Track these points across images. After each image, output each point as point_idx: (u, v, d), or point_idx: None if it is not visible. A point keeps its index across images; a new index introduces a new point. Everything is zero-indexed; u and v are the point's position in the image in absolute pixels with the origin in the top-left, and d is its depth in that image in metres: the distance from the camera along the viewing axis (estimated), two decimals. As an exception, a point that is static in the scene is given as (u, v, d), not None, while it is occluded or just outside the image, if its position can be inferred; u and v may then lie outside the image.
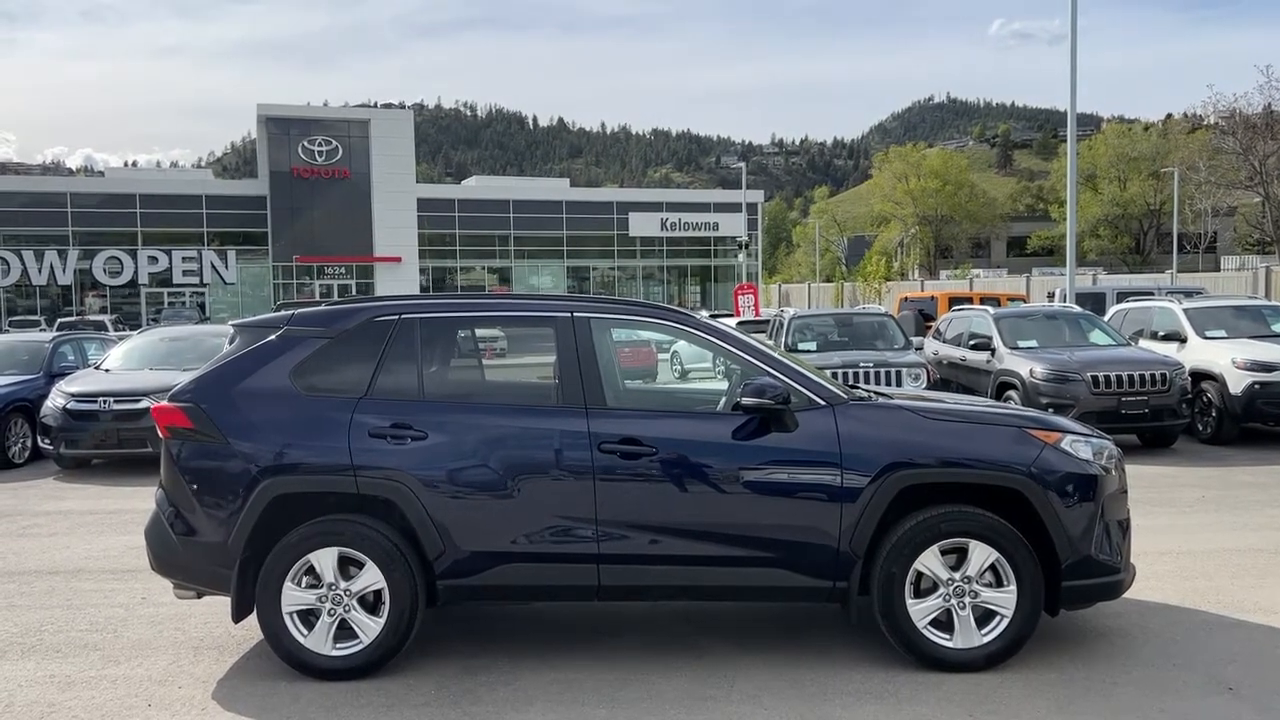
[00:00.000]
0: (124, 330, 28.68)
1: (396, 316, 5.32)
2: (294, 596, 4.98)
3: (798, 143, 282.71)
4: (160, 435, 5.26)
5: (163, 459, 5.25)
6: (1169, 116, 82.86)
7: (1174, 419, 11.92)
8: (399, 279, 54.80)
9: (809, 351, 13.95)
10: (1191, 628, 5.61)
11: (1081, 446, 5.17)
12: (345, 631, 5.01)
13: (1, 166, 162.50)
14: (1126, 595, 5.40)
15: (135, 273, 52.88)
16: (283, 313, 5.48)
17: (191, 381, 5.32)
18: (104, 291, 52.74)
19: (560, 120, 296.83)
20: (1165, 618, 5.78)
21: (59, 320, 37.24)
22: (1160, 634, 5.51)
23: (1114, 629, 5.58)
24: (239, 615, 5.08)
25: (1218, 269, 52.58)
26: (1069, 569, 4.99)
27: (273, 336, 5.30)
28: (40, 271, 51.54)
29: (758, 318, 24.84)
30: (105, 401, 11.79)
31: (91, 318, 38.74)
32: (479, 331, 6.15)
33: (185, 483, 5.11)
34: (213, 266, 53.82)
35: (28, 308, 50.37)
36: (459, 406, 5.20)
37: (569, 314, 5.30)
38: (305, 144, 54.90)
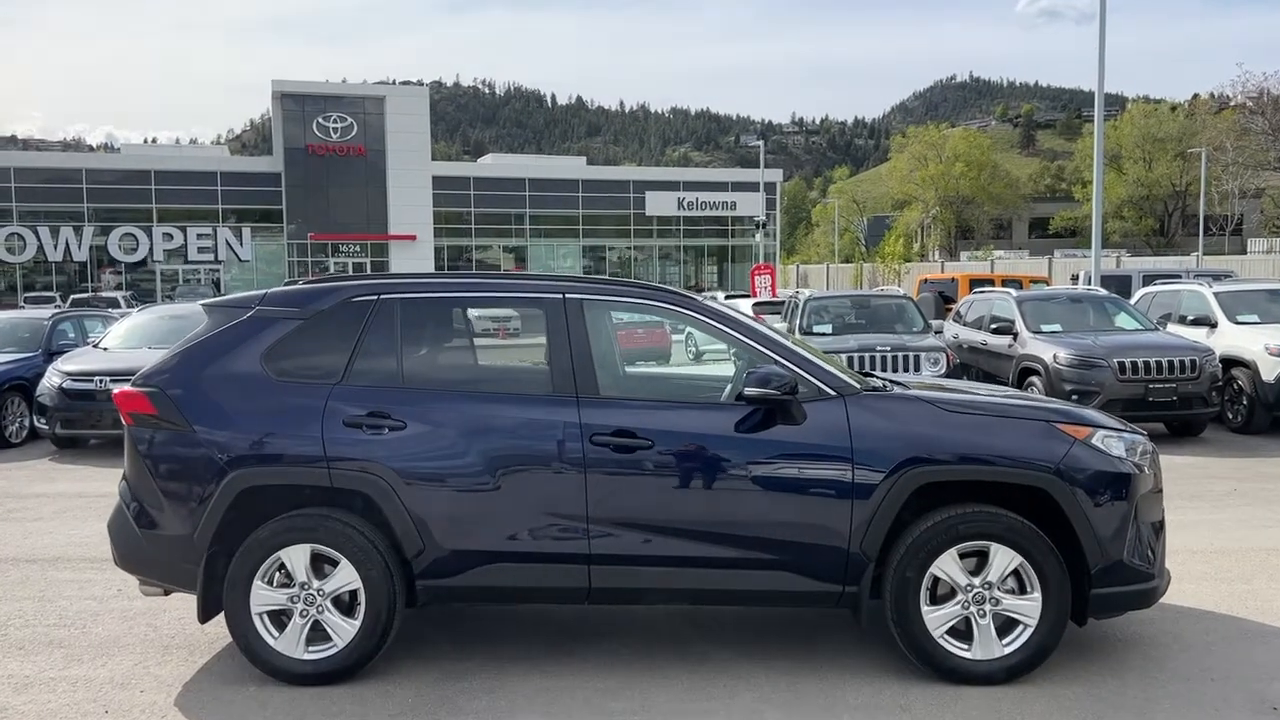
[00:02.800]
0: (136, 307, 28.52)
1: (375, 297, 4.96)
2: (264, 596, 4.65)
3: (818, 122, 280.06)
4: (123, 422, 4.94)
5: (126, 448, 4.93)
6: (1196, 96, 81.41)
7: (1204, 407, 11.46)
8: (414, 257, 54.61)
9: (824, 335, 13.53)
10: (1229, 637, 5.22)
11: (1114, 442, 4.77)
12: (318, 634, 4.68)
13: (23, 143, 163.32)
14: (1159, 601, 5.02)
15: (151, 250, 52.94)
16: (255, 292, 5.15)
17: (157, 365, 4.98)
18: (120, 268, 52.77)
19: (579, 98, 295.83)
20: (1201, 625, 5.38)
21: (72, 297, 37.22)
22: (1196, 644, 5.12)
23: (1145, 638, 5.19)
24: (205, 615, 4.76)
25: (1244, 252, 51.66)
26: (1098, 575, 4.60)
27: (244, 318, 4.96)
28: (56, 248, 51.63)
29: (774, 298, 24.43)
30: (102, 380, 11.49)
31: (106, 294, 38.67)
32: (485, 312, 5.78)
33: (149, 473, 4.78)
34: (228, 244, 53.78)
35: (45, 284, 50.46)
36: (441, 394, 4.83)
37: (560, 295, 4.92)
38: (320, 121, 54.64)
